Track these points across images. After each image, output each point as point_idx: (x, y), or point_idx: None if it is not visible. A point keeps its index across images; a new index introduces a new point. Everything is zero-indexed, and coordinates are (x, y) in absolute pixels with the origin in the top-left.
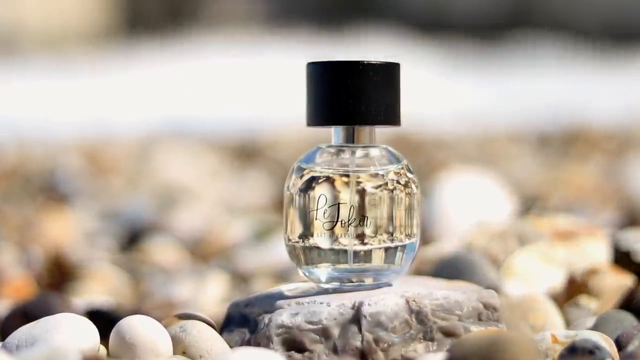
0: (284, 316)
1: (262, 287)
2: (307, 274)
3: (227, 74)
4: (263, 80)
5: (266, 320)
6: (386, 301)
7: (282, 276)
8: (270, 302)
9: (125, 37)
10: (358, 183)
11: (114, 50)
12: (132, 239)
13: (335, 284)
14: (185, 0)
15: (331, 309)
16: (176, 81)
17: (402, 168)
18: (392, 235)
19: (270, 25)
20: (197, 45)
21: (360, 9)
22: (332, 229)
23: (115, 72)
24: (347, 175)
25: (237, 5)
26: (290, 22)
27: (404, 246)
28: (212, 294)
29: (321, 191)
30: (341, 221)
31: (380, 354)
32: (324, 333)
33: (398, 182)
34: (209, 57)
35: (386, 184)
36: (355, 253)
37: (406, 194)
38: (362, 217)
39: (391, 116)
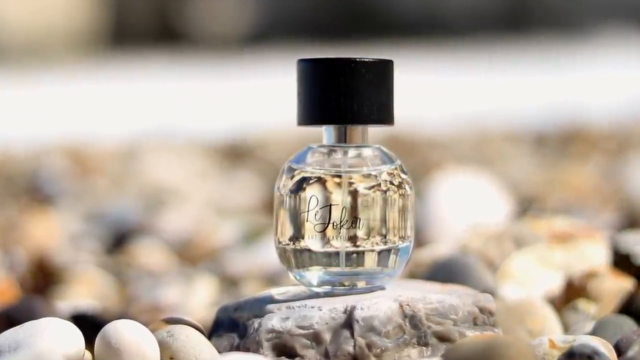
0: (274, 321)
1: (251, 290)
2: (298, 277)
3: (214, 85)
4: (250, 91)
5: (256, 325)
6: (379, 305)
7: (272, 279)
8: (260, 306)
9: (111, 43)
10: (350, 184)
11: (99, 56)
12: (118, 241)
13: (326, 288)
14: (172, 9)
15: (323, 313)
16: (163, 89)
17: (396, 168)
18: (385, 237)
19: (258, 39)
20: (185, 52)
21: (357, 22)
22: (323, 231)
23: (101, 77)
24: (339, 176)
25: (225, 19)
26: (279, 36)
27: (397, 249)
28: (201, 298)
29: (312, 192)
30: (333, 223)
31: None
32: (316, 338)
33: (391, 183)
34: (197, 66)
35: (379, 184)
36: (348, 256)
37: (400, 195)
38: (354, 219)
39: (384, 115)
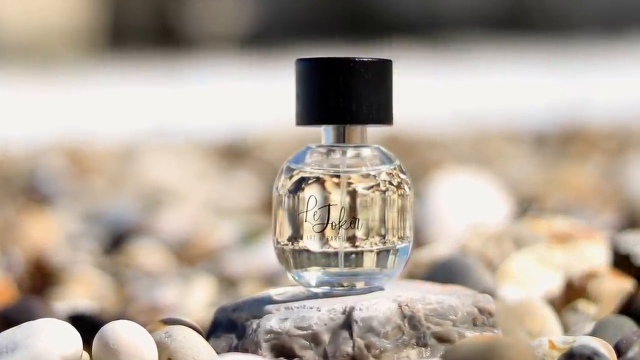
0: (273, 321)
1: (250, 291)
2: (296, 277)
3: (213, 84)
4: (249, 91)
5: (254, 326)
6: (378, 306)
7: (271, 280)
8: (258, 306)
9: (108, 43)
10: (349, 184)
11: (97, 55)
12: (116, 241)
13: (325, 288)
14: (171, 9)
15: (321, 313)
16: (161, 89)
17: (395, 168)
18: (384, 237)
19: (256, 39)
20: (183, 52)
21: (355, 22)
22: (322, 231)
23: (98, 77)
24: (338, 176)
25: (223, 19)
26: (278, 36)
27: (396, 249)
28: (199, 299)
29: (311, 192)
30: (332, 223)
31: None
32: (314, 339)
33: (390, 183)
34: (195, 66)
35: (378, 184)
36: (346, 256)
37: (399, 195)
38: (353, 219)
39: (383, 115)
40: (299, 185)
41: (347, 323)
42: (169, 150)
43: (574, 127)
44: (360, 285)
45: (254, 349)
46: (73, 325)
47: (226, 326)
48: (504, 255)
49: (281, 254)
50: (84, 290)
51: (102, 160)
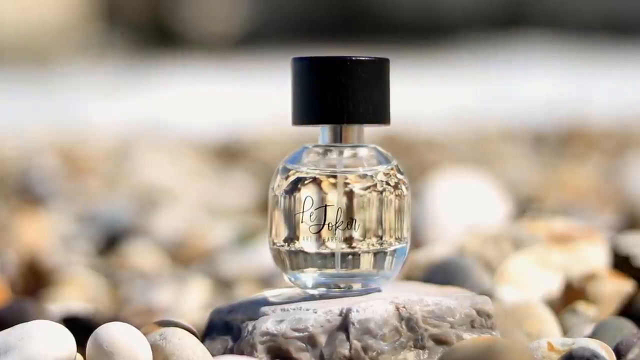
0: (269, 323)
1: (245, 293)
2: (292, 279)
3: (208, 84)
4: (245, 91)
5: (250, 328)
6: (375, 308)
7: (267, 281)
8: (254, 308)
9: (104, 41)
10: (346, 184)
11: (92, 54)
12: (110, 242)
13: (322, 290)
14: (166, 8)
15: (318, 315)
16: (156, 88)
17: (392, 169)
18: (381, 238)
19: (253, 39)
20: (179, 51)
21: (353, 22)
22: (318, 232)
23: (93, 76)
24: (335, 176)
25: (219, 18)
26: (274, 35)
27: (393, 250)
28: (194, 300)
29: (307, 193)
30: (328, 224)
31: None
32: (310, 341)
33: (387, 184)
34: (191, 65)
35: (375, 185)
36: (343, 257)
37: (396, 195)
38: (350, 220)
39: (380, 115)
40: (295, 185)
41: (344, 325)
42: (163, 151)
43: (574, 127)
44: (357, 286)
45: (250, 351)
46: (67, 327)
47: (221, 328)
48: (502, 257)
49: (277, 255)
50: (77, 292)
51: (96, 160)
